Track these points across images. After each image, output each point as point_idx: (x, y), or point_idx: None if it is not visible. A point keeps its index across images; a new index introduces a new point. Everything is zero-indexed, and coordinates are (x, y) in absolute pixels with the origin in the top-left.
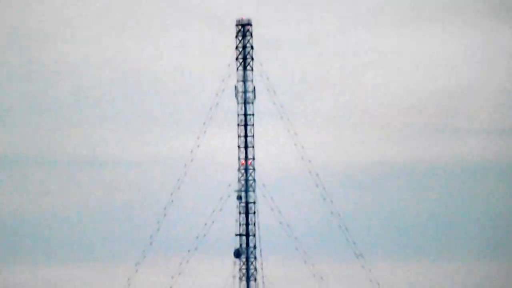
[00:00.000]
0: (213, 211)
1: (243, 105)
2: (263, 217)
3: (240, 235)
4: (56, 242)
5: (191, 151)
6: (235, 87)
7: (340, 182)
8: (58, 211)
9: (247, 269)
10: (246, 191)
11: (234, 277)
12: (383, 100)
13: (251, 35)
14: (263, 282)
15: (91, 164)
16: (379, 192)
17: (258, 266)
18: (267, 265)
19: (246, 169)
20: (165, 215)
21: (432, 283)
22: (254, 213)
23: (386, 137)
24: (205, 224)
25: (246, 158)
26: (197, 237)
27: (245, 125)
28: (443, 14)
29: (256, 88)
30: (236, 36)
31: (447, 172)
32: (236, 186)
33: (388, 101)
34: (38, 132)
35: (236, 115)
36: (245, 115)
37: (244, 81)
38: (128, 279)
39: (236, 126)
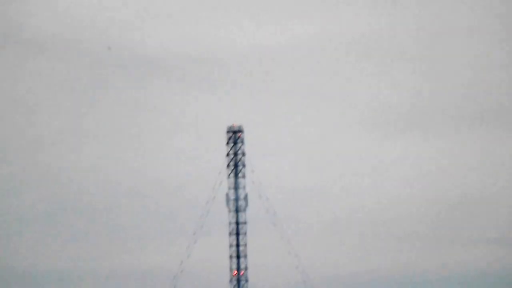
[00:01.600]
0: None
1: (235, 213)
2: None
3: None
4: None
5: (181, 262)
6: (227, 194)
7: None
8: None
9: None
10: None
11: None
12: (378, 209)
13: (242, 141)
14: None
15: (79, 277)
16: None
17: None
18: None
19: (238, 280)
20: None
21: None
22: None
23: (382, 247)
24: None
25: (238, 268)
26: None
27: (237, 234)
28: (443, 123)
29: (248, 195)
30: (227, 143)
31: (449, 282)
32: None
33: (383, 210)
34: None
35: (228, 224)
36: (237, 223)
37: (236, 188)
38: None
39: (228, 235)
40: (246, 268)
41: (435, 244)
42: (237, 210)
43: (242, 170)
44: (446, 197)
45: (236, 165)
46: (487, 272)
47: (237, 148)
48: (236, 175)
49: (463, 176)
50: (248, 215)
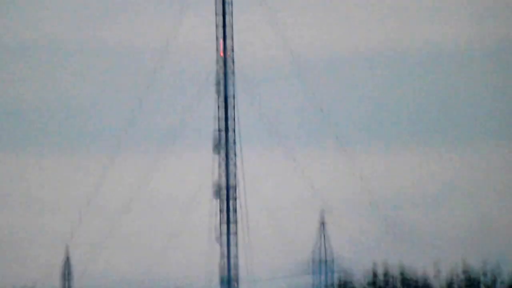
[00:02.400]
0: (191, 104)
1: None
2: (242, 111)
3: (219, 130)
4: (28, 132)
5: (167, 41)
6: None
7: (324, 73)
8: (32, 99)
9: (227, 165)
10: (225, 84)
11: (213, 173)
12: None
13: None
14: (243, 178)
15: (70, 51)
16: (363, 82)
17: (237, 162)
18: (247, 161)
19: (225, 61)
20: (140, 106)
21: (415, 172)
22: (234, 107)
23: (372, 24)
24: (183, 119)
25: (225, 49)
26: (175, 132)
27: (223, 14)
28: None
29: None
30: None
31: (433, 58)
32: (214, 79)
33: None
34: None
35: (214, 4)
36: (223, 3)
37: None
38: (103, 171)
39: (214, 16)
40: (232, 50)
41: (422, 19)
42: None
43: None
44: None
45: None
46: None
47: None
48: None
49: None
50: None
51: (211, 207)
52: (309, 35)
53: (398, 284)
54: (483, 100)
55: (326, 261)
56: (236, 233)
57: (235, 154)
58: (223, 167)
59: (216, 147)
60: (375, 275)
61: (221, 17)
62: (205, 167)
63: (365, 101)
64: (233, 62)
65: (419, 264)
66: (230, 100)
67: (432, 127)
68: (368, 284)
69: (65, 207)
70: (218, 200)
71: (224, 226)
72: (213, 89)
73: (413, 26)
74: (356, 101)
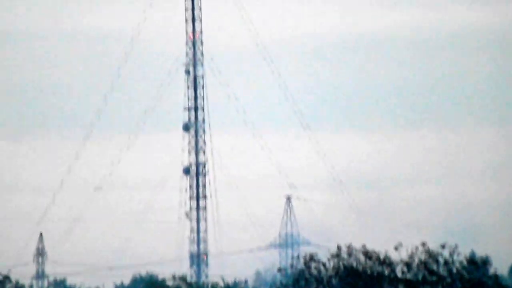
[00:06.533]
0: (161, 85)
1: None
2: (211, 91)
3: (189, 109)
4: (1, 115)
5: (138, 24)
6: None
7: (288, 54)
8: (4, 83)
9: (196, 142)
10: (194, 65)
11: (183, 150)
12: None
13: None
14: (212, 155)
15: (41, 36)
16: (326, 64)
17: (206, 139)
18: (216, 138)
19: (193, 43)
20: (112, 89)
21: (378, 152)
22: (203, 87)
23: (334, 7)
24: (153, 99)
25: (194, 31)
26: (146, 112)
27: None
28: None
29: None
30: None
31: (395, 41)
32: (184, 60)
33: None
34: None
35: None
36: None
37: None
38: (76, 153)
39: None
40: (201, 32)
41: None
42: None
43: None
44: None
45: None
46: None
47: None
48: None
49: None
50: None
51: (181, 183)
52: (276, 19)
53: (361, 256)
54: (449, 83)
55: (292, 235)
56: (205, 208)
57: (204, 132)
58: (193, 144)
59: (186, 125)
60: (338, 248)
61: (190, 1)
62: (176, 145)
63: (330, 83)
64: (201, 43)
65: (381, 242)
66: (199, 80)
67: (399, 109)
68: (332, 256)
69: (38, 188)
70: (188, 177)
71: (194, 202)
72: (182, 69)
73: (379, 9)
74: (321, 83)
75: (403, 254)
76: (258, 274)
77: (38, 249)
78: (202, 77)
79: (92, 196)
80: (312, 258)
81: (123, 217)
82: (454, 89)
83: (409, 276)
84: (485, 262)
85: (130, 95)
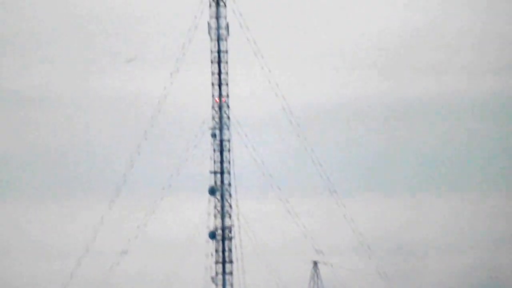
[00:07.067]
0: (187, 149)
1: (216, 42)
2: (237, 155)
3: (215, 172)
4: (27, 179)
5: (164, 88)
6: (208, 23)
7: (314, 119)
8: (30, 148)
9: (222, 206)
10: (221, 128)
11: (209, 214)
12: (359, 39)
13: None
14: (238, 219)
15: (67, 100)
16: (352, 129)
17: (232, 203)
18: (242, 203)
19: (220, 107)
20: (138, 152)
21: (404, 217)
22: (229, 150)
23: (361, 75)
24: (179, 162)
25: (220, 95)
26: (171, 175)
27: (219, 62)
28: None
29: (229, 24)
30: None
31: (419, 109)
32: (210, 123)
33: (364, 40)
34: None
35: (210, 52)
36: (219, 52)
37: (217, 17)
38: (102, 216)
39: (210, 63)
40: (228, 95)
41: (407, 72)
42: (218, 39)
43: None
44: (427, 24)
45: None
46: (471, 99)
47: None
48: (217, 4)
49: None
50: (229, 44)
51: (207, 248)
52: (303, 84)
53: None
54: (472, 150)
55: None
56: (231, 273)
57: (230, 196)
58: (219, 208)
59: (212, 189)
60: None
61: (216, 65)
62: (201, 209)
63: (357, 147)
64: (228, 107)
65: None
66: (225, 143)
67: (425, 175)
68: None
69: (64, 252)
70: (214, 241)
71: (220, 266)
72: (209, 133)
73: (402, 79)
74: (347, 147)
75: None
76: None
77: None
78: (228, 141)
79: (118, 260)
80: None
81: (149, 282)
82: (488, 154)
83: None
84: None
85: (156, 159)
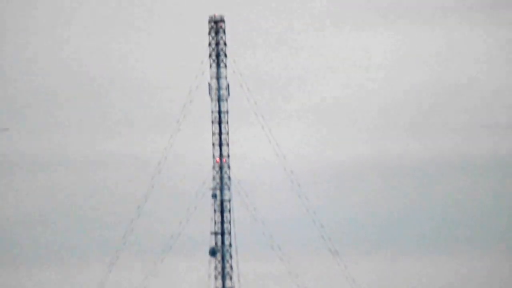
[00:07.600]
0: (188, 209)
1: (217, 102)
2: (238, 215)
3: (215, 233)
4: (26, 243)
5: (165, 149)
6: (209, 84)
7: (315, 179)
8: (28, 212)
9: (223, 268)
10: (221, 189)
11: (209, 275)
12: (357, 97)
13: (224, 32)
14: (238, 281)
15: (62, 164)
16: (354, 189)
17: (233, 264)
18: (243, 263)
19: (221, 167)
20: (138, 214)
21: (407, 279)
22: (229, 211)
23: (360, 135)
24: (180, 223)
25: (221, 156)
26: (172, 236)
27: (220, 123)
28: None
29: (230, 85)
30: (209, 33)
31: (421, 168)
32: (211, 184)
33: (362, 98)
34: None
35: (210, 113)
36: (219, 112)
37: (218, 78)
38: (101, 279)
39: (211, 124)
40: (228, 156)
41: (408, 131)
42: (219, 99)
43: (224, 60)
44: (425, 82)
45: (217, 55)
46: (472, 157)
47: (219, 38)
48: (218, 65)
49: (446, 61)
50: (229, 105)
51: None
52: (304, 143)
53: None
54: (469, 208)
55: None
56: None
57: (230, 257)
58: (219, 269)
59: (213, 250)
60: None
61: (217, 125)
62: (202, 270)
63: (358, 208)
64: (228, 167)
65: None
66: (226, 204)
67: (424, 234)
68: None
69: None
70: None
71: None
72: (209, 193)
73: (400, 139)
74: (349, 208)
75: None
76: None
77: None
78: (229, 201)
79: None
80: None
81: None
82: (491, 215)
83: None
84: None
85: (156, 220)
